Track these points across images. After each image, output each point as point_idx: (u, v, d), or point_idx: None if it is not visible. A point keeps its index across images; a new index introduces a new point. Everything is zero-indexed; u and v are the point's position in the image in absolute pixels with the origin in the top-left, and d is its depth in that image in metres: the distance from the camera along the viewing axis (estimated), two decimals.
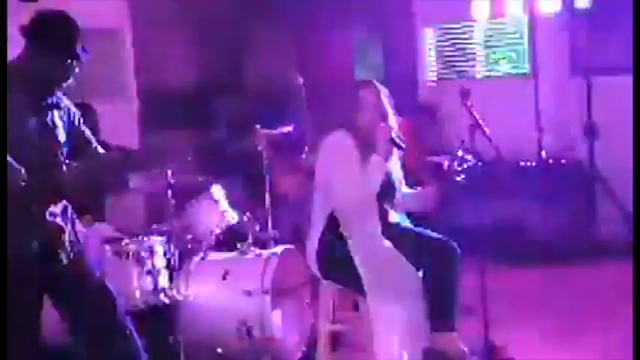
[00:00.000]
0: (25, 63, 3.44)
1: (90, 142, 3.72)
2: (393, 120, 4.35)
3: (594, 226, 7.29)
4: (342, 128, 4.28)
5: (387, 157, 4.25)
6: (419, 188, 4.54)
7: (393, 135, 4.23)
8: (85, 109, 4.16)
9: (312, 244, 4.32)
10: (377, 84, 4.40)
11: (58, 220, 3.46)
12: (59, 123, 3.51)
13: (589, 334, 4.98)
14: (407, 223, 4.52)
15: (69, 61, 3.44)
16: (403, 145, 4.26)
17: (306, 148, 5.75)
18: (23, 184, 3.22)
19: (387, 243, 4.24)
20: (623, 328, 4.14)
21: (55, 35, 3.43)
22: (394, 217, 4.49)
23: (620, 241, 6.77)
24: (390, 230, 4.34)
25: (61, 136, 3.50)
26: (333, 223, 4.26)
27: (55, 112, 3.50)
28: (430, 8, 8.30)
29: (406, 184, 4.58)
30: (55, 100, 3.51)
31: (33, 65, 3.42)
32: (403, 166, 4.56)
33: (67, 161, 3.50)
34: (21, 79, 3.39)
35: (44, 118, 3.44)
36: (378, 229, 4.29)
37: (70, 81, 3.49)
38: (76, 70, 3.47)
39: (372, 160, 4.19)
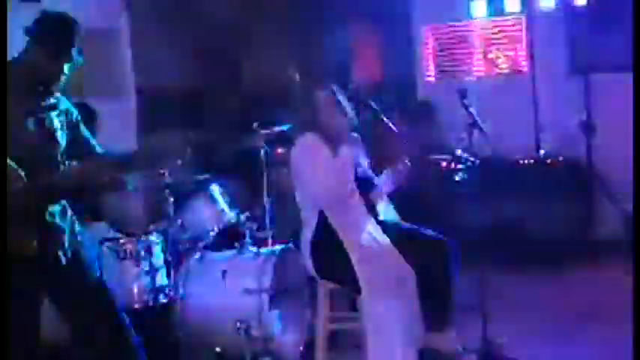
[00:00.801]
0: (23, 63, 3.45)
1: (89, 143, 3.72)
2: (350, 113, 4.43)
3: (592, 225, 7.29)
4: (308, 130, 4.36)
5: (351, 147, 4.37)
6: (384, 172, 4.61)
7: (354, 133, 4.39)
8: (84, 110, 4.16)
9: (306, 243, 4.33)
10: (330, 84, 4.47)
11: (57, 220, 3.46)
12: (58, 124, 3.51)
13: (588, 333, 4.98)
14: (402, 222, 4.54)
15: (63, 61, 3.44)
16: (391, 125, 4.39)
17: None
18: (22, 185, 3.23)
19: (382, 237, 4.25)
20: (623, 328, 4.14)
21: (53, 36, 3.43)
22: (389, 215, 4.51)
23: (618, 240, 6.78)
24: (385, 229, 4.35)
25: (60, 137, 3.51)
26: (325, 221, 4.27)
27: (54, 113, 3.50)
28: (428, 7, 8.29)
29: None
30: (53, 100, 3.51)
31: (31, 65, 3.43)
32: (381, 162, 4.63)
33: (66, 162, 3.51)
34: (19, 79, 3.39)
35: (43, 119, 3.44)
36: (370, 225, 4.30)
37: (62, 81, 3.49)
38: (66, 70, 3.47)
39: (340, 152, 4.28)
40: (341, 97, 4.43)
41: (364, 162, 4.59)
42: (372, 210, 4.42)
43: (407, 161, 4.55)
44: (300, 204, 4.40)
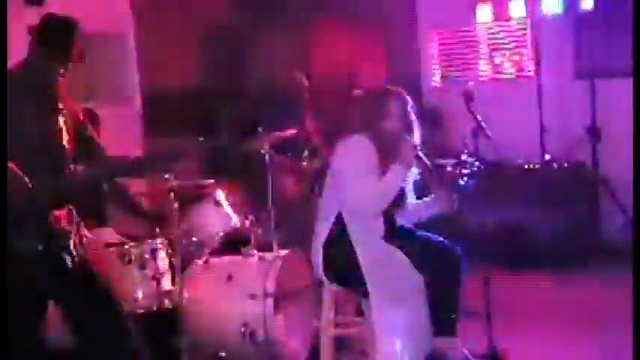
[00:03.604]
0: (28, 66, 3.46)
1: (96, 146, 3.72)
2: (417, 133, 4.32)
3: (597, 230, 7.27)
4: (363, 132, 4.25)
5: (406, 174, 4.25)
6: (430, 197, 4.50)
7: (420, 154, 4.23)
8: (88, 115, 4.17)
9: (319, 242, 4.31)
10: (405, 94, 4.36)
11: (63, 223, 3.46)
12: (64, 126, 3.51)
13: (592, 337, 4.97)
14: (412, 229, 4.52)
15: (64, 61, 3.45)
16: (429, 165, 4.25)
17: (306, 152, 5.74)
18: (26, 191, 3.23)
19: (392, 246, 4.24)
20: (626, 332, 4.12)
21: (53, 35, 3.45)
22: (399, 221, 4.49)
23: (623, 244, 6.76)
24: (395, 234, 4.34)
25: (65, 140, 3.51)
26: (340, 222, 4.26)
27: (60, 116, 3.50)
28: (434, 12, 8.29)
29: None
30: (59, 103, 3.51)
31: (33, 66, 3.44)
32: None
33: (71, 165, 3.51)
34: (24, 82, 3.40)
35: (48, 122, 3.44)
36: (382, 231, 4.28)
37: (62, 80, 3.50)
38: (66, 70, 3.48)
39: (390, 177, 4.16)
40: (410, 110, 4.32)
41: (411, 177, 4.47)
42: (389, 219, 4.38)
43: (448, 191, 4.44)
44: (324, 201, 4.37)
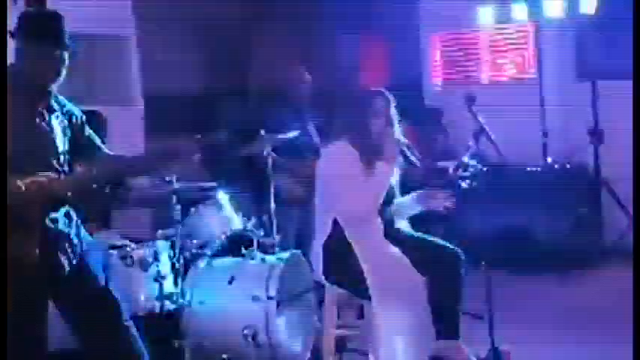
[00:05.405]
0: (15, 65, 3.44)
1: (96, 146, 3.70)
2: (398, 130, 4.35)
3: (600, 231, 7.27)
4: (346, 135, 4.29)
5: (393, 170, 4.28)
6: (416, 192, 4.52)
7: (405, 149, 4.26)
8: (93, 117, 4.16)
9: (318, 247, 4.32)
10: (387, 93, 4.40)
11: (61, 226, 3.44)
12: (57, 127, 3.48)
13: (594, 339, 4.97)
14: (412, 230, 4.52)
15: (55, 52, 3.42)
16: (415, 161, 4.28)
17: (308, 153, 5.74)
18: (19, 193, 3.22)
19: (393, 248, 4.25)
20: (627, 333, 4.12)
21: (37, 29, 3.43)
22: (400, 223, 4.49)
23: (625, 245, 6.76)
24: (396, 236, 4.34)
25: (59, 141, 3.47)
26: (338, 226, 4.26)
27: (53, 117, 3.47)
28: (436, 13, 8.30)
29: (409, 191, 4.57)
30: (51, 104, 3.49)
31: (21, 65, 3.42)
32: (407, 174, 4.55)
33: (68, 165, 3.49)
34: (12, 83, 3.38)
35: (39, 123, 3.42)
36: (382, 233, 4.29)
37: (60, 78, 3.47)
38: (66, 62, 3.45)
39: (378, 173, 4.21)
40: (392, 109, 4.36)
41: (395, 176, 4.51)
42: (387, 219, 4.38)
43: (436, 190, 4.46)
44: (316, 207, 4.38)
